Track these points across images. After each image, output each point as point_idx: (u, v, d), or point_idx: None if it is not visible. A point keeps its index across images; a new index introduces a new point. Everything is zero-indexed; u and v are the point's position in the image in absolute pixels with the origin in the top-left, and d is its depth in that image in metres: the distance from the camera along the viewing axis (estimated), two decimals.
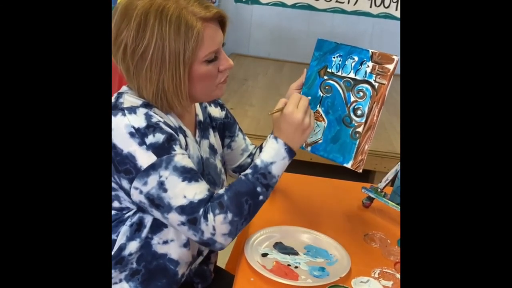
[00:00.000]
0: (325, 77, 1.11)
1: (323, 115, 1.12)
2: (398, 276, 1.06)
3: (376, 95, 1.05)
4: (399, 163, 1.32)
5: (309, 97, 1.07)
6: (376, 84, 1.05)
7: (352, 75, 1.08)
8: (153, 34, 0.93)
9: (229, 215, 0.96)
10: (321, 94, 1.12)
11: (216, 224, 0.96)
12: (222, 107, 1.26)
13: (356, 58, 1.07)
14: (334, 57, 1.10)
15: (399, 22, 4.11)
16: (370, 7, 4.62)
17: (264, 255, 1.10)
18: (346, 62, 1.08)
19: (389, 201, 1.31)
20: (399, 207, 1.28)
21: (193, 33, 0.95)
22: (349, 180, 1.57)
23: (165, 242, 1.04)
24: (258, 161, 1.02)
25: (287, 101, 1.05)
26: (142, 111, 0.97)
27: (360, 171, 1.09)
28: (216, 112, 1.23)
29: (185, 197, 0.95)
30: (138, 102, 0.99)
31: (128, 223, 1.03)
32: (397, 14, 4.61)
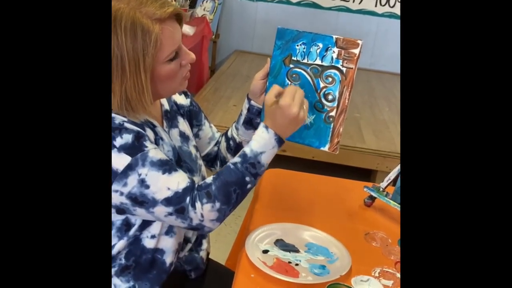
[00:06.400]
0: (291, 66, 1.09)
1: None
2: (399, 275, 1.06)
3: (345, 80, 1.05)
4: None
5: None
6: (344, 69, 1.05)
7: (318, 61, 1.06)
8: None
9: (217, 204, 0.98)
10: (289, 83, 1.10)
11: (204, 212, 0.98)
12: (186, 94, 1.24)
13: (321, 45, 1.06)
14: (297, 45, 1.08)
15: None
16: (375, 6, 4.61)
17: (265, 252, 1.11)
18: (311, 49, 1.07)
19: (391, 201, 1.31)
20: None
21: (151, 38, 0.92)
22: (351, 179, 1.57)
23: (153, 237, 1.05)
24: (247, 150, 1.02)
25: (280, 88, 1.03)
26: None
27: (337, 152, 1.10)
28: (181, 99, 1.21)
29: (169, 189, 0.95)
30: None
31: (114, 226, 1.03)
32: None
